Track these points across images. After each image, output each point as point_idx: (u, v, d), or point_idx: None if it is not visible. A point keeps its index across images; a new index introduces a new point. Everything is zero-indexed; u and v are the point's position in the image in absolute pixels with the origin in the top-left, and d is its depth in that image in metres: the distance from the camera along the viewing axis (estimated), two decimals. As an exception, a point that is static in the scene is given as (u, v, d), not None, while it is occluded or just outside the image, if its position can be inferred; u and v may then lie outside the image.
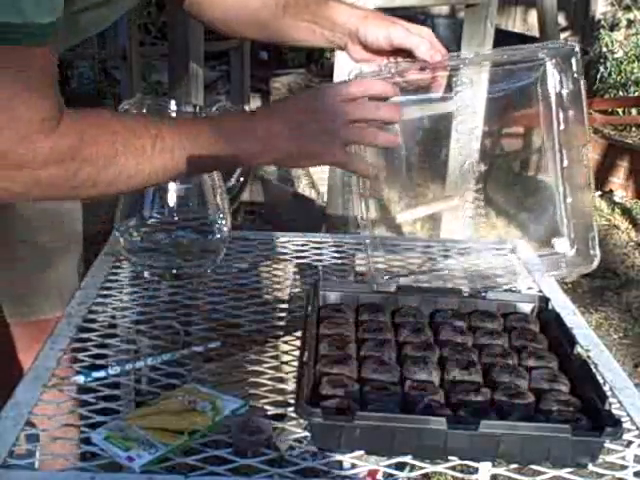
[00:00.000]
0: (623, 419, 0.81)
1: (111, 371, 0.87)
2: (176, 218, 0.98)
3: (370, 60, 1.03)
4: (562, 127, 1.09)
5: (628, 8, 4.67)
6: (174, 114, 0.96)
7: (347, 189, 2.37)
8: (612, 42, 4.62)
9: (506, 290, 1.09)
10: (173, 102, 0.96)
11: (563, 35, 4.42)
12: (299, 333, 0.91)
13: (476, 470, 0.74)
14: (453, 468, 0.73)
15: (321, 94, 0.92)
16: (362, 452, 0.74)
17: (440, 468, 0.75)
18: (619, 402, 0.84)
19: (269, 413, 0.81)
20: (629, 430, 0.80)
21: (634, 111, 4.28)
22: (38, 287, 1.15)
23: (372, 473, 0.71)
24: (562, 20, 4.53)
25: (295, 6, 1.06)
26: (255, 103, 3.85)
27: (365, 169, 0.94)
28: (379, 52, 1.01)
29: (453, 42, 3.96)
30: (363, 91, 0.90)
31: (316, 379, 0.80)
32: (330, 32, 1.04)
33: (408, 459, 0.74)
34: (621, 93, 4.49)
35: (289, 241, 1.22)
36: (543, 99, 1.09)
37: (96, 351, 0.91)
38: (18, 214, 1.09)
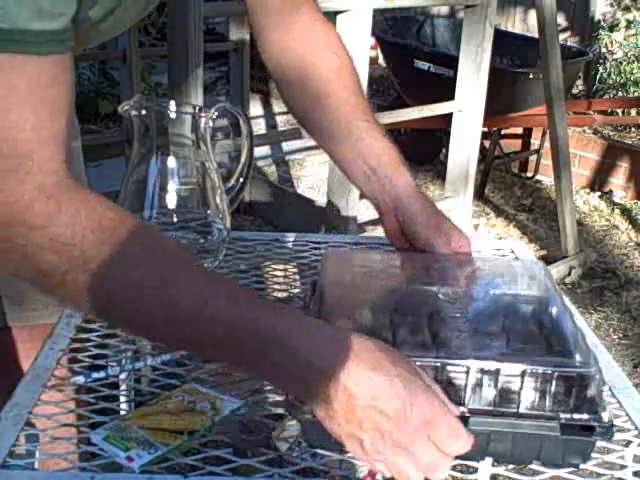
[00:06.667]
0: (622, 419, 0.81)
1: (111, 371, 0.87)
2: (176, 218, 0.98)
3: (396, 242, 0.98)
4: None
5: (628, 9, 4.67)
6: (173, 115, 0.96)
7: (347, 189, 2.38)
8: (611, 43, 4.62)
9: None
10: (173, 103, 0.96)
11: (562, 35, 4.42)
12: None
13: (476, 470, 0.74)
14: (453, 468, 0.73)
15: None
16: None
17: (439, 468, 0.75)
18: (618, 402, 0.84)
19: (268, 413, 0.81)
20: (628, 430, 0.80)
21: (634, 112, 4.28)
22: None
23: (372, 473, 0.71)
24: (562, 20, 4.54)
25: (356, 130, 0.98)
26: (255, 103, 3.85)
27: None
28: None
29: (453, 42, 3.97)
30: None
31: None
32: (380, 190, 0.97)
33: (407, 459, 0.74)
34: (620, 93, 4.49)
35: (289, 241, 1.22)
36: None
37: (96, 351, 0.91)
38: None
